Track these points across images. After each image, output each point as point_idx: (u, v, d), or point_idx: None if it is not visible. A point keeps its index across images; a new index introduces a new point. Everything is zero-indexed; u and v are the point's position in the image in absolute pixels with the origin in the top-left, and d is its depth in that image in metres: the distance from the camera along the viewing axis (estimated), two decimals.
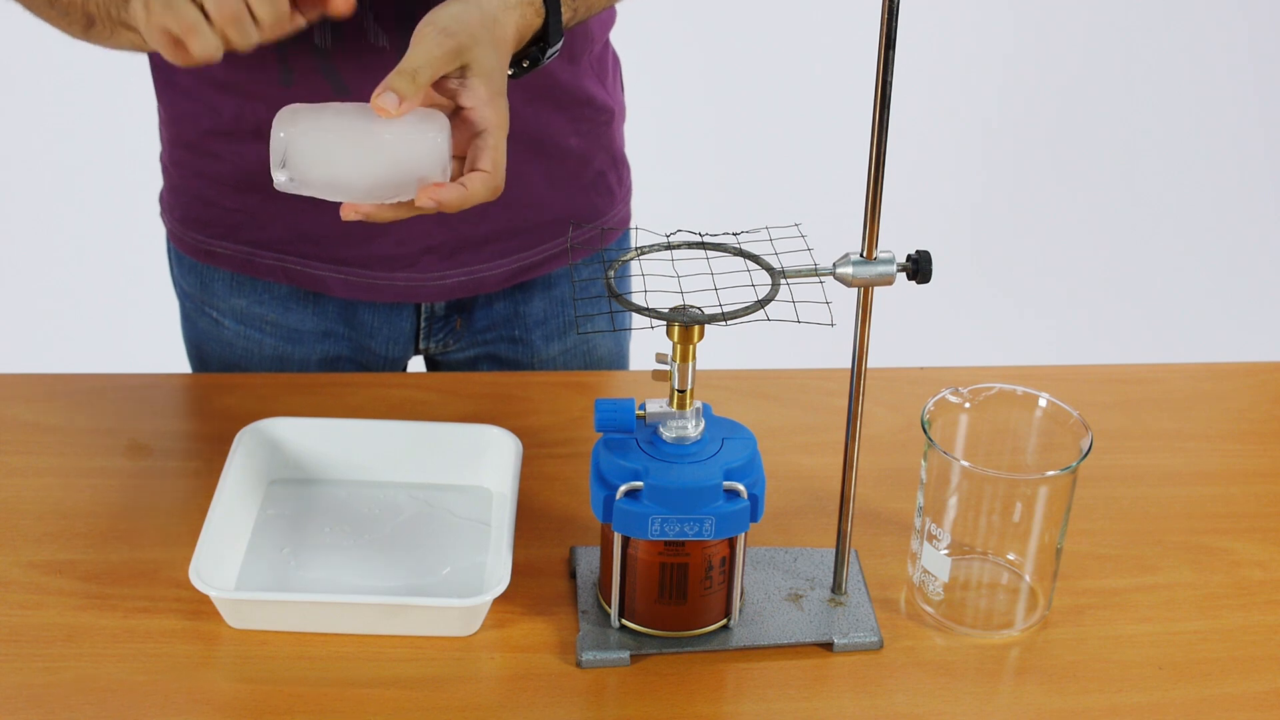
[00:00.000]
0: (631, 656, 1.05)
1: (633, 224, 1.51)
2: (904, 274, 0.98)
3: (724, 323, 0.95)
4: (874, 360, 1.09)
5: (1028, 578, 1.10)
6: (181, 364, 1.54)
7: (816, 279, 0.97)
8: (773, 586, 1.11)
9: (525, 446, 1.22)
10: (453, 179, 1.02)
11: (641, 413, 1.01)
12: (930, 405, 1.07)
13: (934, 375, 1.37)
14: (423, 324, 1.44)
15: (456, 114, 1.04)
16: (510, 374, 1.41)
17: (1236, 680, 1.05)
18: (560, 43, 1.13)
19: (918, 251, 0.99)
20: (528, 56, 1.13)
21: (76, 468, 1.22)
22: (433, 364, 1.51)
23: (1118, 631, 1.09)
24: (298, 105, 1.01)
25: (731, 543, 1.04)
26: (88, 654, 1.04)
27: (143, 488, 1.20)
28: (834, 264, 0.98)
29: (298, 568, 1.12)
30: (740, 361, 1.45)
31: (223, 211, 1.37)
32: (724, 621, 1.07)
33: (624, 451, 1.01)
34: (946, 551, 1.07)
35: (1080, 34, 3.58)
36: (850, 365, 1.03)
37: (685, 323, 0.97)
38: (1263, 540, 1.18)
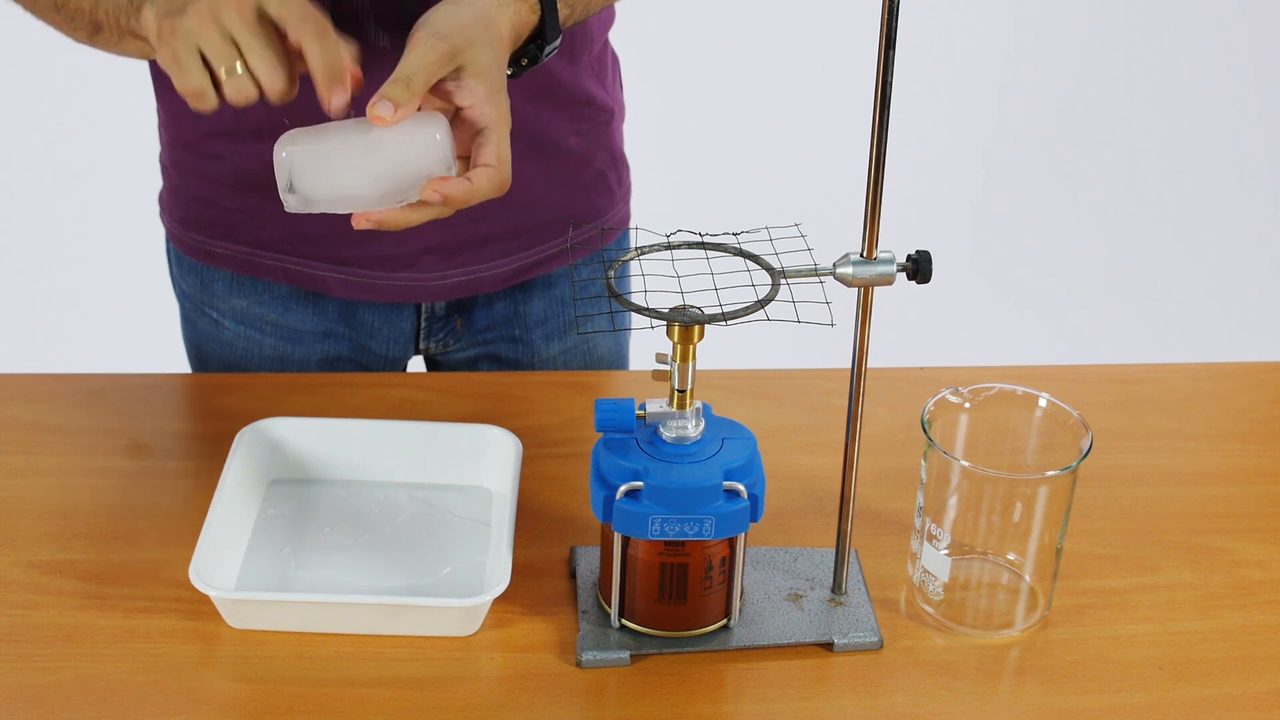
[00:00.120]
0: (631, 656, 1.05)
1: (632, 224, 1.51)
2: (904, 274, 0.98)
3: (724, 323, 0.95)
4: (874, 360, 1.09)
5: (1028, 578, 1.10)
6: (181, 364, 1.54)
7: (816, 279, 0.97)
8: (773, 586, 1.11)
9: (525, 446, 1.22)
10: (458, 176, 1.02)
11: (641, 413, 1.01)
12: (930, 405, 1.07)
13: (934, 375, 1.37)
14: (423, 324, 1.44)
15: (456, 115, 1.05)
16: (510, 374, 1.41)
17: (1236, 680, 1.05)
18: (558, 40, 1.13)
19: (918, 251, 0.99)
20: (526, 55, 1.13)
21: (76, 468, 1.22)
22: (433, 364, 1.51)
23: (1118, 631, 1.09)
24: (296, 130, 1.02)
25: (731, 543, 1.04)
26: (88, 654, 1.04)
27: (143, 488, 1.20)
28: (834, 264, 0.98)
29: (298, 568, 1.12)
30: (740, 361, 1.45)
31: (222, 212, 1.37)
32: (724, 621, 1.07)
33: (624, 451, 1.01)
34: (946, 551, 1.07)
35: (1080, 34, 3.58)
36: (850, 365, 1.03)
37: (685, 323, 0.97)
38: (1263, 540, 1.18)
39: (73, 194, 3.18)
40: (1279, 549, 1.17)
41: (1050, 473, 1.04)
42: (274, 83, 0.99)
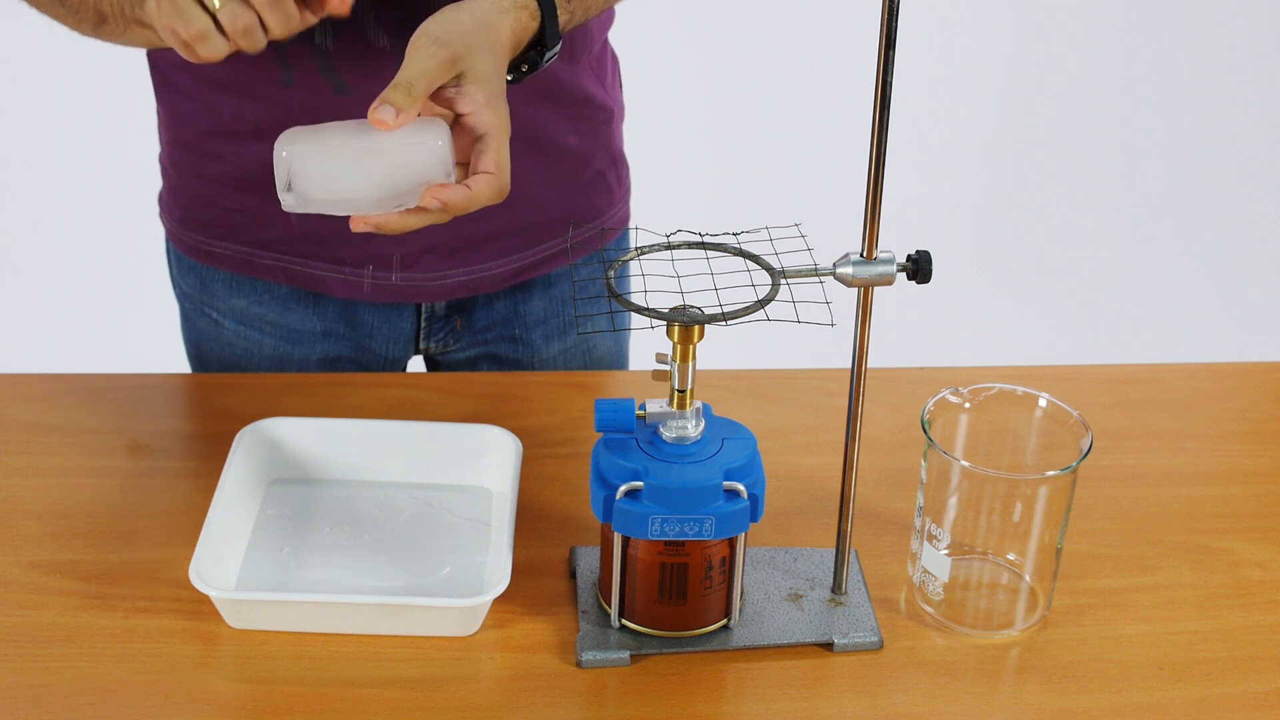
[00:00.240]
0: (631, 656, 1.05)
1: (632, 224, 1.51)
2: (904, 274, 0.98)
3: (724, 323, 0.95)
4: (874, 360, 1.09)
5: (1028, 578, 1.10)
6: (181, 364, 1.54)
7: (816, 279, 0.97)
8: (773, 586, 1.11)
9: (525, 446, 1.22)
10: (457, 183, 1.02)
11: (641, 413, 1.01)
12: (930, 405, 1.07)
13: (934, 375, 1.37)
14: (423, 324, 1.44)
15: (456, 121, 1.05)
16: (510, 374, 1.41)
17: (1236, 680, 1.05)
18: (558, 46, 1.14)
19: (918, 251, 0.99)
20: (526, 61, 1.13)
21: (76, 468, 1.22)
22: (433, 364, 1.51)
23: (1118, 631, 1.09)
24: (296, 128, 1.02)
25: (731, 543, 1.04)
26: (88, 654, 1.04)
27: (143, 488, 1.20)
28: (834, 264, 0.98)
29: (298, 568, 1.12)
30: (740, 361, 1.45)
31: (222, 212, 1.37)
32: (724, 621, 1.07)
33: (624, 451, 1.01)
34: (946, 551, 1.07)
35: (1080, 34, 3.58)
36: (850, 365, 1.03)
37: (685, 323, 0.97)
38: (1263, 540, 1.18)
39: (73, 194, 3.18)
40: (1279, 549, 1.17)
41: (1050, 473, 1.04)
42: (266, 8, 0.99)
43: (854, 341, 1.02)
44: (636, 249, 1.02)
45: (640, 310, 0.96)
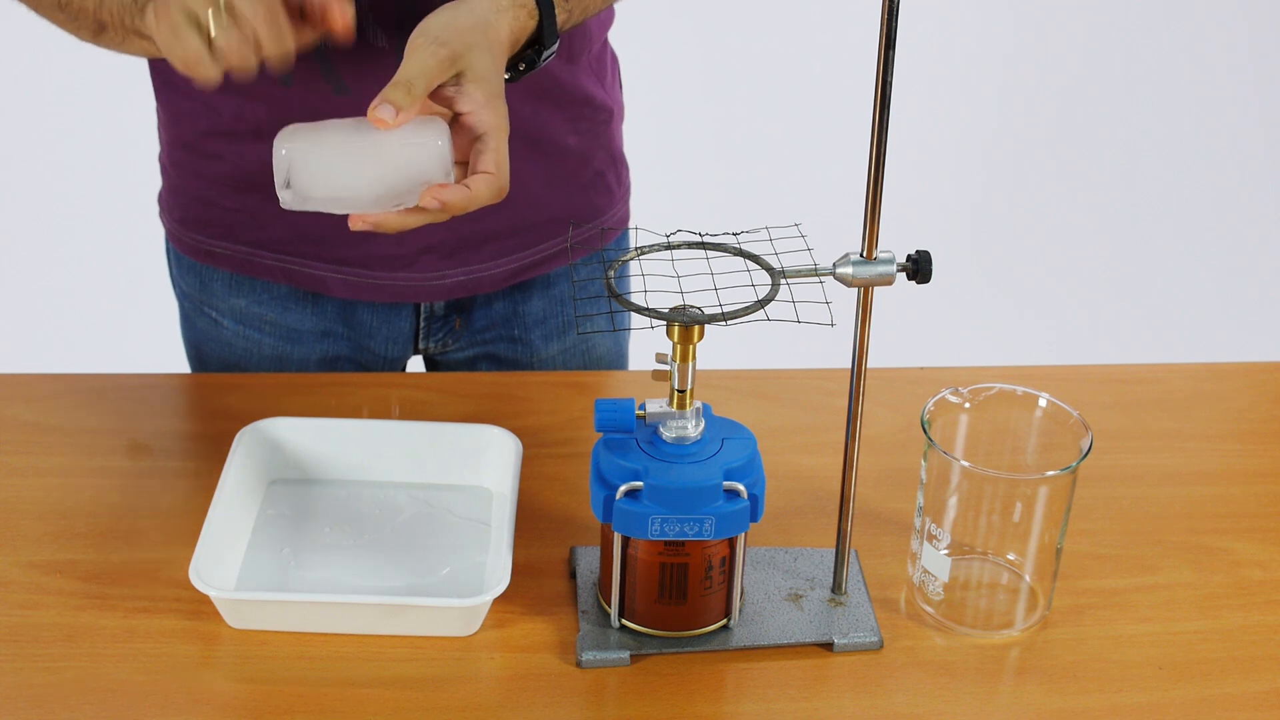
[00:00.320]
0: (631, 656, 1.05)
1: (632, 224, 1.51)
2: (904, 274, 0.98)
3: (724, 323, 0.95)
4: (874, 360, 1.09)
5: (1028, 578, 1.10)
6: (181, 364, 1.54)
7: (816, 279, 0.97)
8: (773, 586, 1.11)
9: (525, 446, 1.22)
10: (456, 183, 1.02)
11: (641, 413, 1.01)
12: (930, 405, 1.07)
13: (934, 375, 1.37)
14: (422, 324, 1.44)
15: (455, 120, 1.05)
16: (510, 374, 1.41)
17: (1236, 680, 1.05)
18: (556, 45, 1.14)
19: (918, 251, 0.99)
20: (524, 60, 1.13)
21: (76, 468, 1.22)
22: (432, 364, 1.51)
23: (1118, 631, 1.09)
24: (296, 125, 1.02)
25: (731, 543, 1.04)
26: (88, 654, 1.04)
27: (143, 488, 1.20)
28: (834, 264, 0.98)
29: (298, 568, 1.12)
30: (740, 361, 1.45)
31: (222, 211, 1.37)
32: (724, 621, 1.07)
33: (624, 451, 1.01)
34: (946, 551, 1.07)
35: (1080, 34, 3.58)
36: (850, 365, 1.03)
37: (685, 323, 0.97)
38: (1263, 540, 1.18)
39: (73, 194, 3.18)
40: (1279, 549, 1.17)
41: (1050, 473, 1.04)
42: (261, 26, 0.99)
43: (854, 341, 1.02)
44: (636, 249, 1.02)
45: (640, 310, 0.96)
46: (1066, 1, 3.59)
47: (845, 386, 1.33)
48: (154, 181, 1.45)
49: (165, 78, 1.34)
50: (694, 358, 1.00)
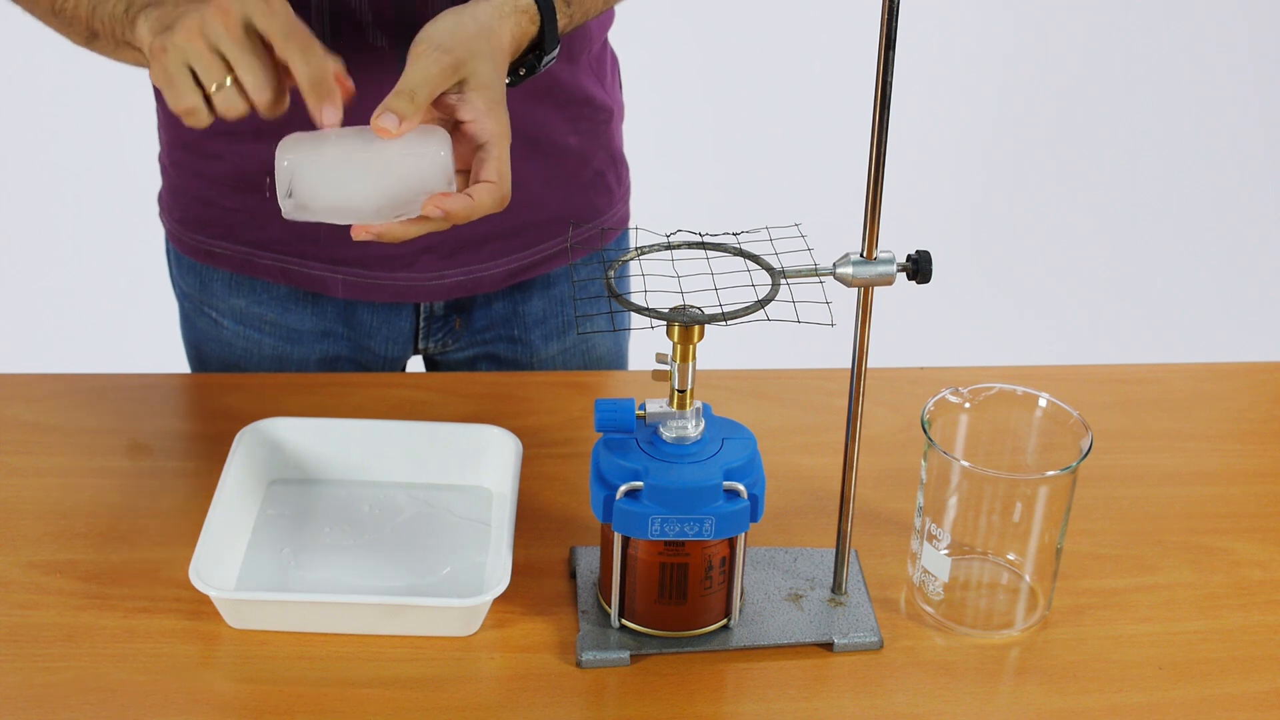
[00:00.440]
0: (631, 656, 1.05)
1: (632, 224, 1.51)
2: (904, 274, 0.98)
3: (724, 323, 0.95)
4: (874, 360, 1.09)
5: (1028, 578, 1.10)
6: (181, 364, 1.54)
7: (816, 279, 0.97)
8: (773, 586, 1.11)
9: (525, 446, 1.22)
10: (458, 191, 1.02)
11: (641, 413, 1.01)
12: (930, 405, 1.07)
13: (934, 375, 1.37)
14: (422, 324, 1.44)
15: (457, 128, 1.04)
16: (510, 374, 1.41)
17: (1236, 680, 1.05)
18: (557, 49, 1.13)
19: (918, 251, 0.99)
20: (524, 64, 1.13)
21: (76, 468, 1.22)
22: (432, 364, 1.51)
23: (1118, 631, 1.09)
24: (298, 134, 1.02)
25: (731, 543, 1.04)
26: (88, 654, 1.04)
27: (143, 488, 1.20)
28: (834, 264, 0.98)
29: (298, 568, 1.12)
30: (740, 361, 1.45)
31: (222, 211, 1.37)
32: (724, 621, 1.07)
33: (624, 451, 1.01)
34: (946, 551, 1.07)
35: (1080, 34, 3.58)
36: (850, 365, 1.03)
37: (685, 323, 0.97)
38: (1263, 540, 1.18)
39: (73, 194, 3.18)
40: (1279, 549, 1.17)
41: (1050, 473, 1.04)
42: (262, 94, 1.00)
43: (854, 341, 1.02)
44: (636, 249, 1.02)
45: (640, 310, 0.96)
46: (1066, 1, 3.59)
47: (845, 386, 1.33)
48: (154, 181, 1.46)
49: None
50: (694, 358, 1.00)
